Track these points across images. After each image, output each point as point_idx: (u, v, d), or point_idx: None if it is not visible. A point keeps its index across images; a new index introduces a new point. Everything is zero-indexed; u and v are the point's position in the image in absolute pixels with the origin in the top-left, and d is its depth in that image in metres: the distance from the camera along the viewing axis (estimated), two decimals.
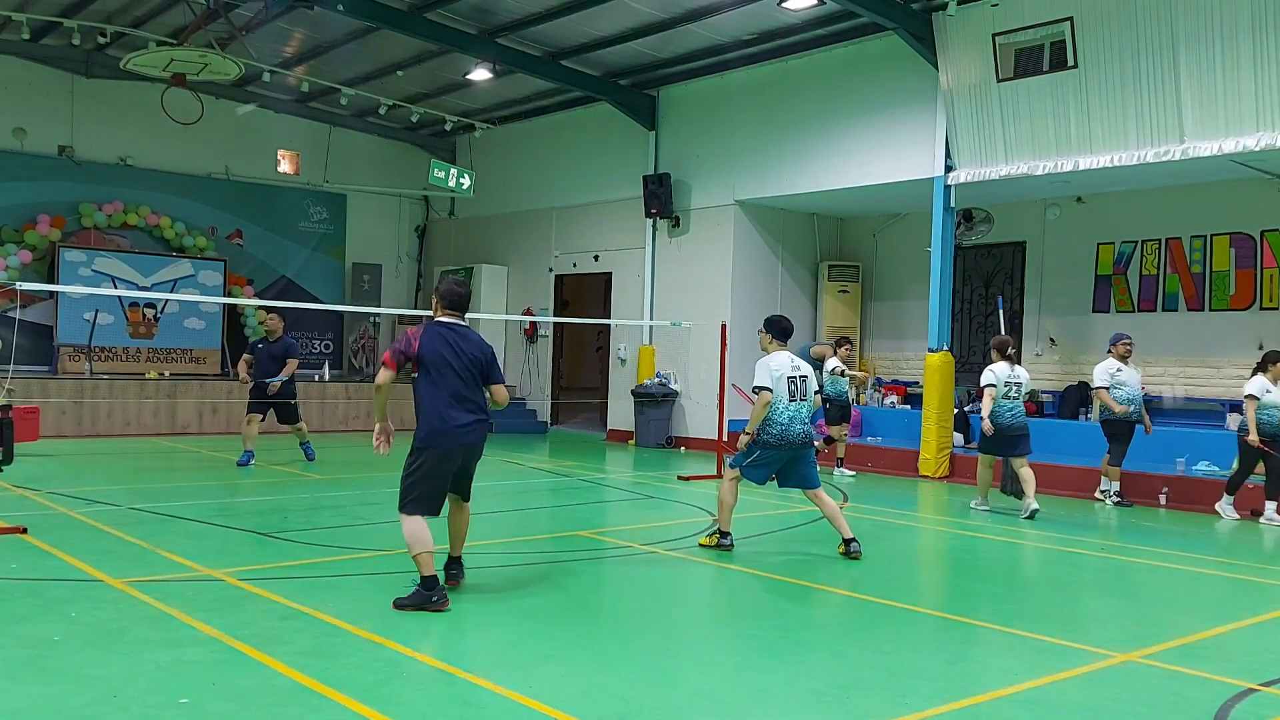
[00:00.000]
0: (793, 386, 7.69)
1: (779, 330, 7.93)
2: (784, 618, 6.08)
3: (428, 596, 5.82)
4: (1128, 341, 11.03)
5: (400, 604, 5.82)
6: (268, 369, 12.28)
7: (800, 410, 7.73)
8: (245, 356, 12.61)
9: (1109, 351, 11.09)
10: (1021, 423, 10.25)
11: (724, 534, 8.06)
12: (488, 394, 6.22)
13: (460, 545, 6.49)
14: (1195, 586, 7.42)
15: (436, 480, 6.02)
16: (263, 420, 12.46)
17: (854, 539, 7.71)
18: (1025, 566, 8.20)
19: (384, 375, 6.00)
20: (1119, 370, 10.81)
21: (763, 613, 6.20)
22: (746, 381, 15.81)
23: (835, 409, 13.03)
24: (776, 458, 7.75)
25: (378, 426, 6.14)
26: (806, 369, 7.90)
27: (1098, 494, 11.30)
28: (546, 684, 4.59)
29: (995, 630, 5.86)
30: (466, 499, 6.44)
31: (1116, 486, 11.09)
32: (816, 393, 8.07)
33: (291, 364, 12.44)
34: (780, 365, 7.72)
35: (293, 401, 12.53)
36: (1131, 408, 10.73)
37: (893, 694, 4.64)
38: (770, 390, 7.61)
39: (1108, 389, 10.73)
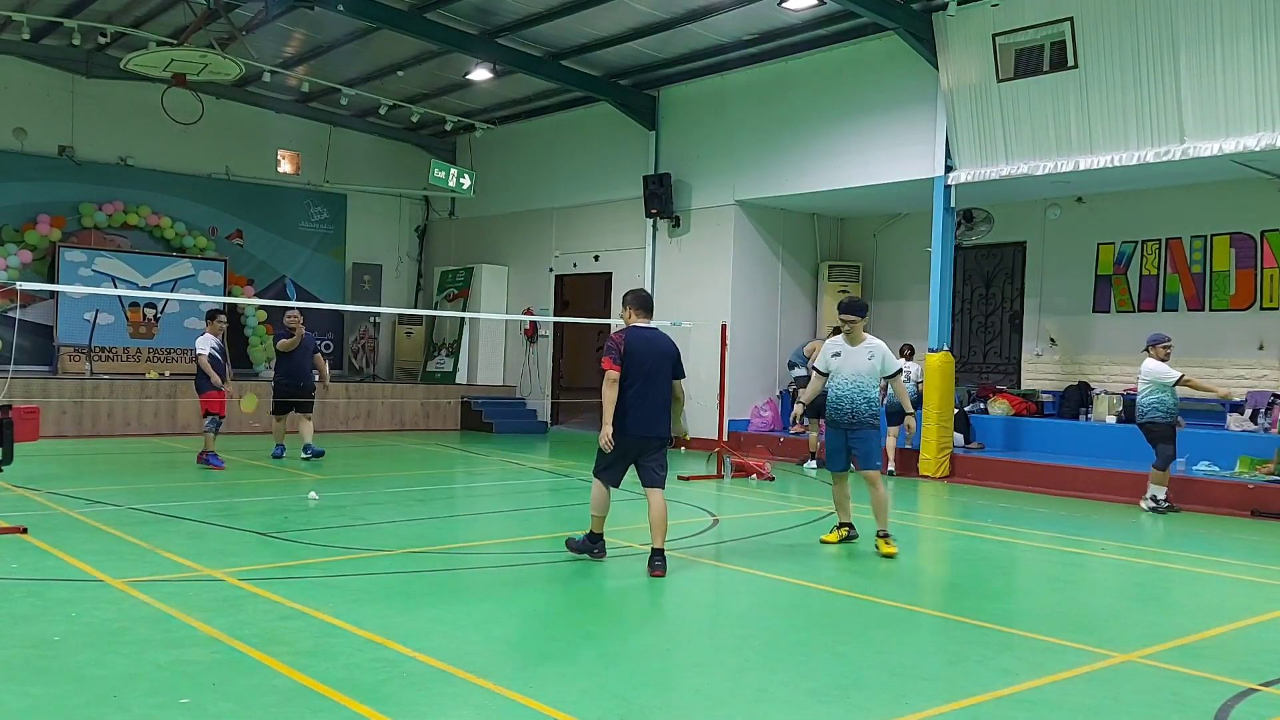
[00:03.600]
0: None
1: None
2: (784, 618, 6.07)
3: (590, 547, 7.25)
4: (1170, 344, 10.63)
5: (569, 544, 7.31)
6: (304, 366, 12.54)
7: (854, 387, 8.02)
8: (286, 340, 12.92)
9: (1149, 353, 10.57)
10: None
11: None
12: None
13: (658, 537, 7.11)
14: (1196, 586, 7.42)
15: (623, 463, 7.19)
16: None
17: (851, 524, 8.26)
18: (1025, 566, 8.20)
19: (612, 377, 6.87)
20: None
21: (763, 613, 6.20)
22: (747, 381, 15.90)
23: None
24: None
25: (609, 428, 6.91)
26: (874, 349, 8.09)
27: (1146, 505, 10.62)
28: (546, 684, 4.59)
29: (995, 630, 5.85)
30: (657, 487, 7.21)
31: (1165, 492, 10.53)
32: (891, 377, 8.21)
33: (319, 359, 13.17)
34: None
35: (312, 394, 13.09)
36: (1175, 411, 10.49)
37: (893, 694, 4.64)
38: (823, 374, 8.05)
39: (1174, 383, 10.31)
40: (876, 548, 7.85)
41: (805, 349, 14.82)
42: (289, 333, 12.80)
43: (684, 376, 7.32)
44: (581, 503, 10.80)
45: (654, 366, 7.00)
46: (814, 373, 8.34)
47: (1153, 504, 10.57)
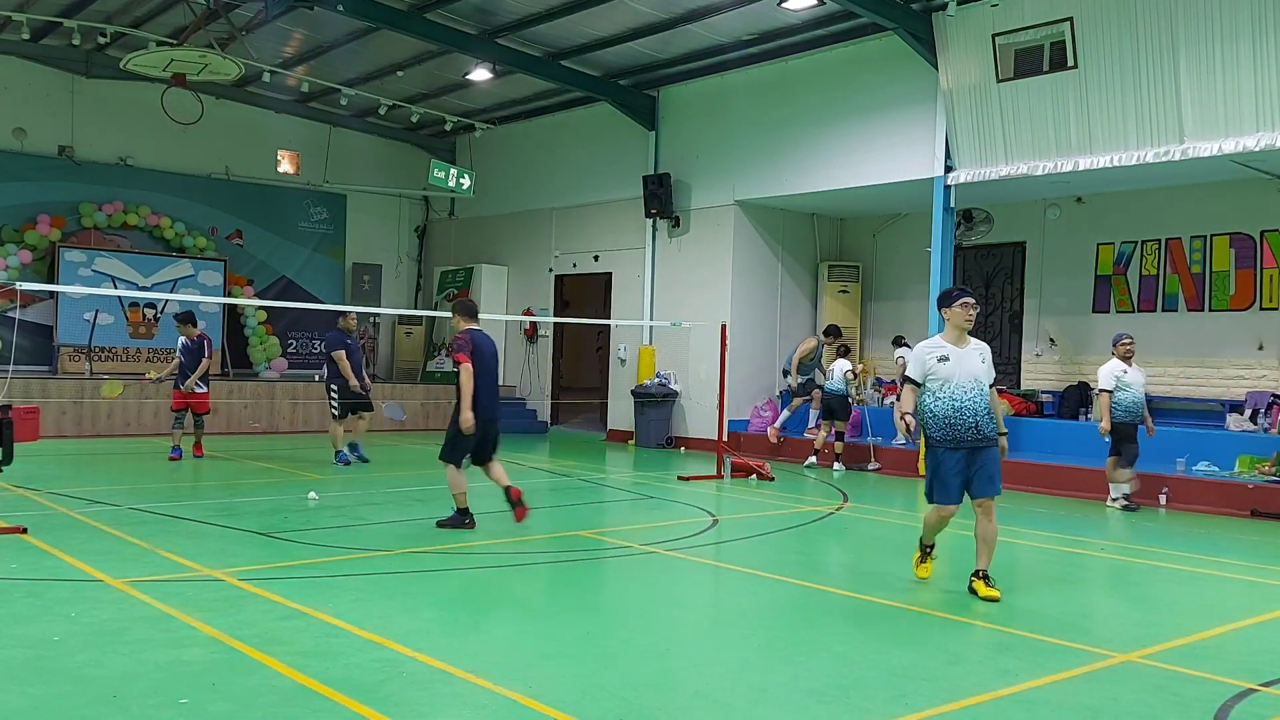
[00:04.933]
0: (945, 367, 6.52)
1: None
2: (784, 618, 6.07)
3: (461, 520, 8.28)
4: (1128, 341, 10.71)
5: (441, 524, 8.16)
6: (357, 366, 12.63)
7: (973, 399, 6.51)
8: (342, 353, 12.59)
9: (1112, 352, 10.73)
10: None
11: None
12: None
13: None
14: (1195, 586, 7.42)
15: (472, 443, 8.29)
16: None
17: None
18: (1025, 566, 8.19)
19: (469, 368, 8.07)
20: (1125, 372, 10.48)
21: (763, 613, 6.20)
22: (747, 381, 15.91)
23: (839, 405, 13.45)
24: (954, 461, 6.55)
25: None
26: (984, 351, 6.71)
27: (1108, 502, 10.88)
28: (546, 684, 4.59)
29: (995, 630, 5.86)
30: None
31: (1126, 490, 10.67)
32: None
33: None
34: (933, 348, 6.60)
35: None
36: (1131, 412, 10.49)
37: (893, 694, 4.64)
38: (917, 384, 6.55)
39: (1112, 392, 10.40)
40: (974, 590, 6.55)
41: (797, 354, 14.72)
42: (346, 335, 12.69)
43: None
44: (581, 503, 10.82)
45: (492, 362, 8.48)
46: (908, 384, 6.68)
47: (1117, 501, 10.74)
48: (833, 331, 14.71)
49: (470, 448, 8.35)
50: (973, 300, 6.64)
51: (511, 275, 19.71)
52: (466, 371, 8.09)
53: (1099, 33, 11.46)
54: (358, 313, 18.44)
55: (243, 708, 4.17)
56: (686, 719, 4.28)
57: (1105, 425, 10.40)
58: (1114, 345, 10.77)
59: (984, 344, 6.80)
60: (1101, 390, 10.50)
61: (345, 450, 12.65)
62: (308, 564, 7.03)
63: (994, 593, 6.45)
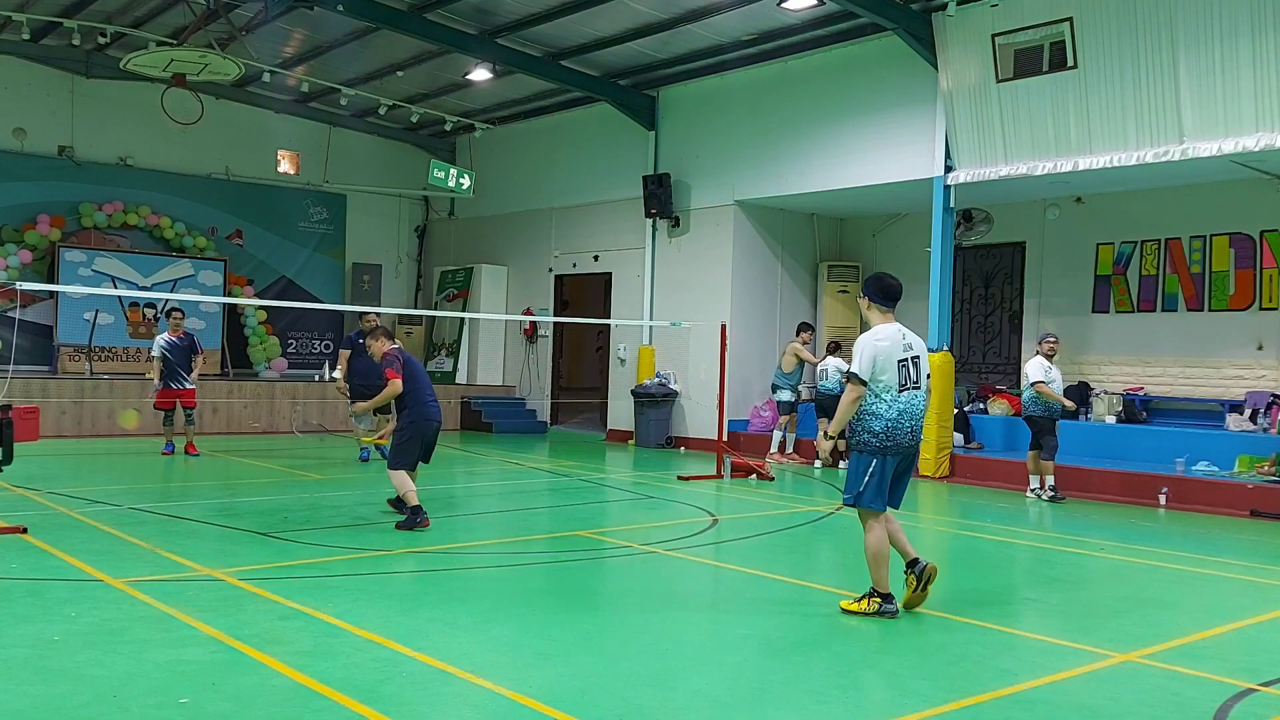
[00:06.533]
0: (904, 372, 6.05)
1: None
2: (784, 617, 6.07)
3: (415, 519, 8.23)
4: (1053, 340, 11.58)
5: (400, 525, 8.11)
6: (373, 366, 12.62)
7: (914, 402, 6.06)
8: (345, 352, 12.93)
9: (1037, 349, 11.52)
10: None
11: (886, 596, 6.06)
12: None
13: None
14: (1195, 586, 7.42)
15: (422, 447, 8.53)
16: None
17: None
18: (1025, 566, 8.20)
19: (398, 386, 8.39)
20: (1048, 369, 11.24)
21: (762, 612, 6.20)
22: (745, 382, 15.91)
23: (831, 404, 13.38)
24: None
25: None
26: (920, 345, 6.27)
27: (1029, 492, 11.48)
28: (546, 684, 4.59)
29: (995, 630, 5.86)
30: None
31: (1051, 480, 11.30)
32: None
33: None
34: (890, 342, 6.07)
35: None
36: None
37: (893, 694, 4.64)
38: (864, 383, 5.96)
39: (1047, 384, 11.14)
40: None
41: (783, 359, 14.41)
42: (360, 335, 12.78)
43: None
44: (581, 503, 10.83)
45: (422, 370, 8.84)
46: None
47: (1037, 492, 11.34)
48: (804, 328, 14.54)
49: (420, 454, 8.57)
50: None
51: (511, 275, 19.71)
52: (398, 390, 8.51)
53: (1099, 33, 11.46)
54: (357, 313, 18.50)
55: (243, 707, 4.17)
56: (686, 719, 4.28)
57: (1070, 403, 11.43)
58: (1039, 343, 11.58)
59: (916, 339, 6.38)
60: (1035, 382, 11.19)
61: (368, 449, 13.01)
62: (308, 564, 7.03)
63: (864, 607, 6.02)
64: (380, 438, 11.69)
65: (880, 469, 5.96)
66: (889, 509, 6.12)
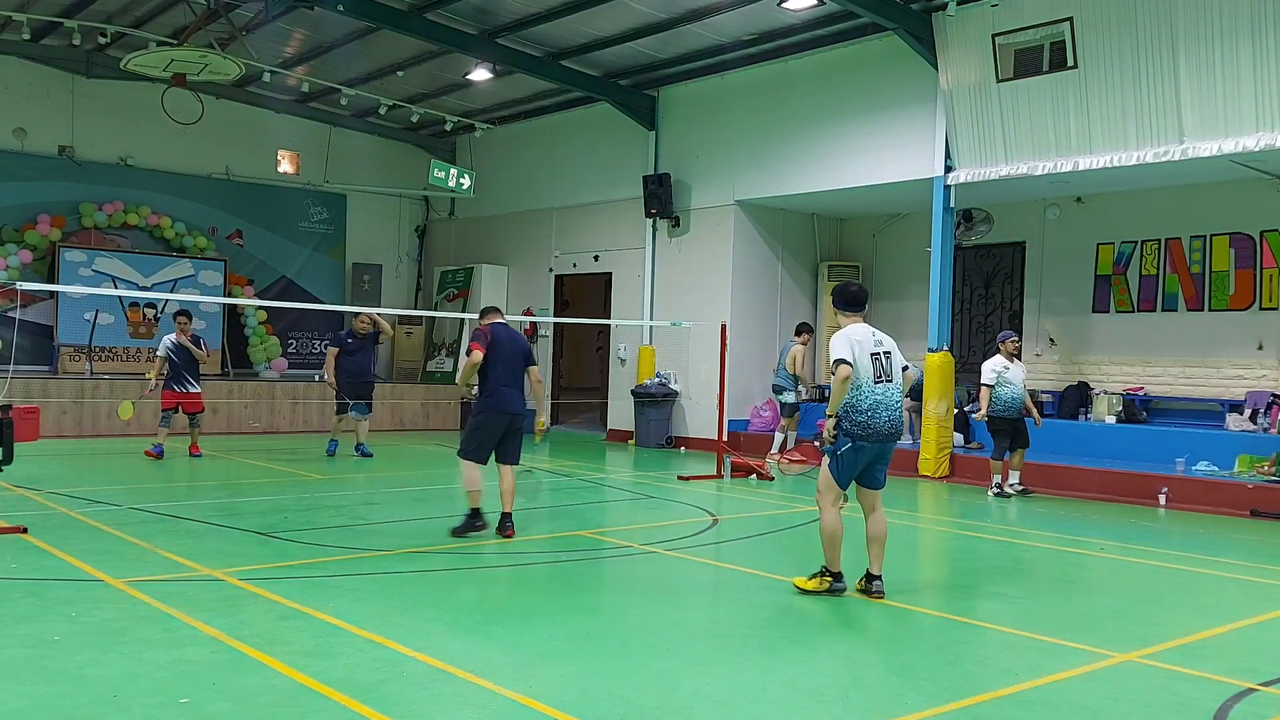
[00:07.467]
0: (877, 365, 6.40)
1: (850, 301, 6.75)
2: (784, 617, 6.08)
3: (473, 525, 7.94)
4: (1015, 340, 11.63)
5: (454, 532, 7.86)
6: (364, 364, 12.85)
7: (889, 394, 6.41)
8: (332, 350, 13.30)
9: (998, 349, 11.52)
10: None
11: (835, 574, 6.50)
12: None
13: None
14: (1195, 586, 7.42)
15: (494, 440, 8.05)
16: None
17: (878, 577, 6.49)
18: (1025, 566, 8.20)
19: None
20: (1006, 369, 11.26)
21: (763, 612, 6.20)
22: (740, 381, 15.92)
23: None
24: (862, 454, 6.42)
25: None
26: (890, 343, 6.61)
27: (991, 491, 11.51)
28: (546, 684, 4.60)
29: (995, 630, 5.86)
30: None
31: (1016, 477, 11.51)
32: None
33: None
34: (862, 337, 6.43)
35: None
36: (1011, 406, 11.24)
37: (893, 694, 4.64)
38: (850, 364, 6.25)
39: (993, 387, 11.15)
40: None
41: (788, 359, 14.30)
42: (349, 334, 13.33)
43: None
44: (581, 502, 10.83)
45: (512, 355, 8.24)
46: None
47: (998, 490, 11.46)
48: (803, 329, 14.45)
49: (494, 442, 7.98)
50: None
51: (511, 275, 19.71)
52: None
53: (1099, 33, 11.46)
54: (357, 313, 18.53)
55: (243, 707, 4.18)
56: (686, 719, 4.28)
57: (982, 414, 11.28)
58: (1000, 343, 11.56)
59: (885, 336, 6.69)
60: (983, 384, 11.27)
61: (336, 441, 13.50)
62: (308, 564, 7.04)
63: (816, 584, 6.46)
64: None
65: (854, 453, 6.40)
66: (884, 510, 6.65)
